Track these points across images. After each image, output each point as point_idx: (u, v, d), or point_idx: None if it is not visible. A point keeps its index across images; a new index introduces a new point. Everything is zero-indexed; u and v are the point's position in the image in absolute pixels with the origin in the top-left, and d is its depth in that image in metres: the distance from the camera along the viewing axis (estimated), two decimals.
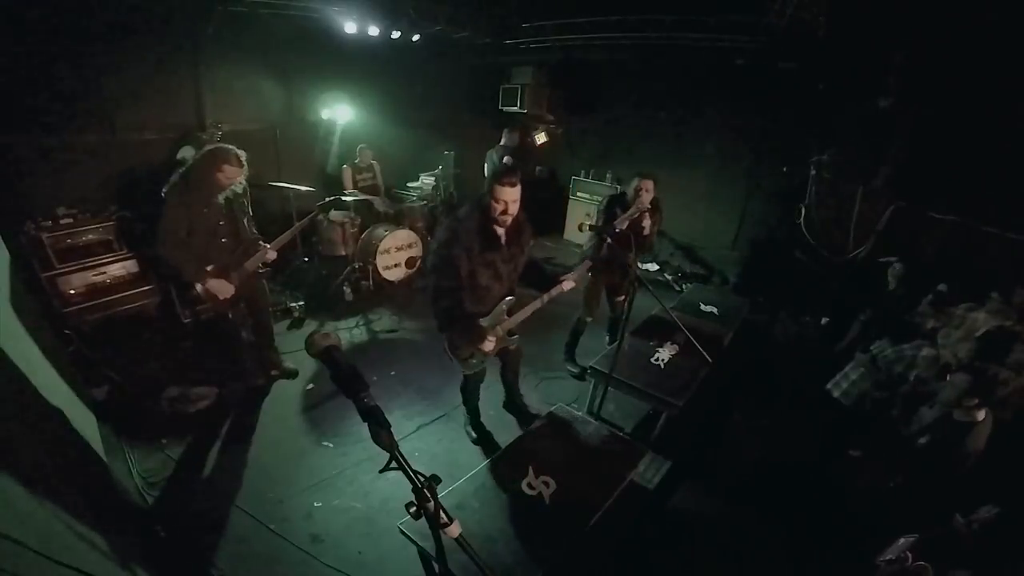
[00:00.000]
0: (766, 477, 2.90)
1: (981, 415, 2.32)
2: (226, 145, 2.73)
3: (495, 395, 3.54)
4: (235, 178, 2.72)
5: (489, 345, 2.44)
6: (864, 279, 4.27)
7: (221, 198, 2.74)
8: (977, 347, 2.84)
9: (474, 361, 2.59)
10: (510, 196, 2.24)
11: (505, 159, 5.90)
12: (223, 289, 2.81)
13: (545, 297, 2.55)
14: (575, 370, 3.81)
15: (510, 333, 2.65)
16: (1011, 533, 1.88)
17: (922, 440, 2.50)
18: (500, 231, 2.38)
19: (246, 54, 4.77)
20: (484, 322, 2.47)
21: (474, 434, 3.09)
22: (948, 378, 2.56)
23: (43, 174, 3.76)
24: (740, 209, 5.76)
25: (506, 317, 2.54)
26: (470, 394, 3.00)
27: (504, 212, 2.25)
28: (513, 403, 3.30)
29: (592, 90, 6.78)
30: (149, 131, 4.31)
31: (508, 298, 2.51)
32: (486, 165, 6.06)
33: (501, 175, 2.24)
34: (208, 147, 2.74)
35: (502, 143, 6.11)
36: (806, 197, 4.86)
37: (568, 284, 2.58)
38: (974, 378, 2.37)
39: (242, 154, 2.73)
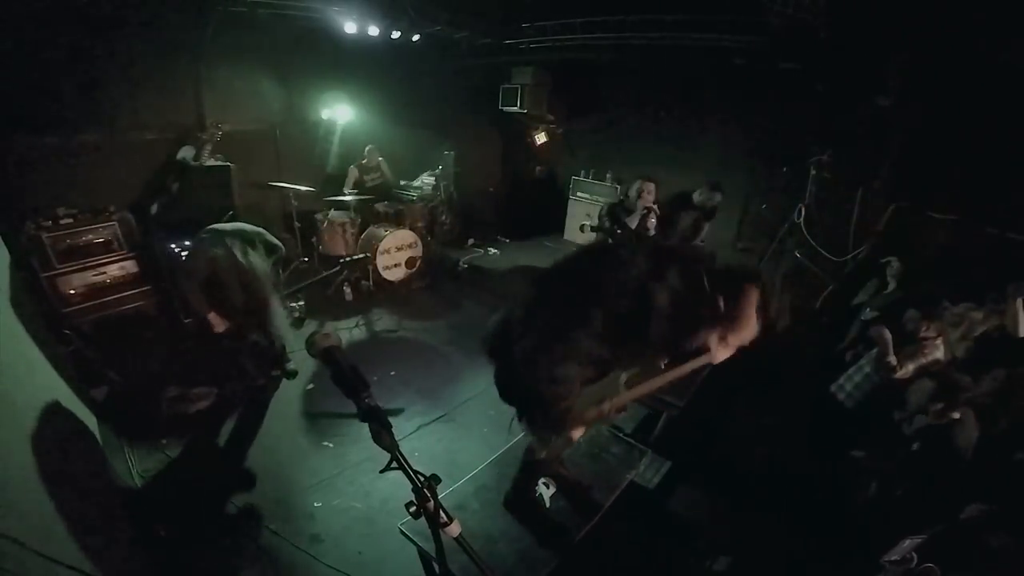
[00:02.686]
0: (767, 477, 2.89)
1: (956, 415, 2.37)
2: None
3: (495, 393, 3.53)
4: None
5: (579, 434, 1.73)
6: (864, 279, 4.26)
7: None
8: (976, 347, 2.83)
9: (559, 441, 1.77)
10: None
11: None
12: (217, 324, 3.04)
13: (696, 363, 1.57)
14: None
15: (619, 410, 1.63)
16: (1012, 534, 1.88)
17: (914, 446, 2.53)
18: None
19: (246, 54, 4.77)
20: (585, 395, 1.45)
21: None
22: (912, 385, 2.65)
23: (43, 174, 3.75)
24: (740, 209, 5.76)
25: (623, 390, 1.58)
26: (527, 467, 1.96)
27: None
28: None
29: (592, 90, 6.77)
30: (149, 131, 4.31)
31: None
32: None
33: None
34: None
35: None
36: (806, 197, 4.85)
37: (721, 354, 1.52)
38: (937, 384, 2.47)
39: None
